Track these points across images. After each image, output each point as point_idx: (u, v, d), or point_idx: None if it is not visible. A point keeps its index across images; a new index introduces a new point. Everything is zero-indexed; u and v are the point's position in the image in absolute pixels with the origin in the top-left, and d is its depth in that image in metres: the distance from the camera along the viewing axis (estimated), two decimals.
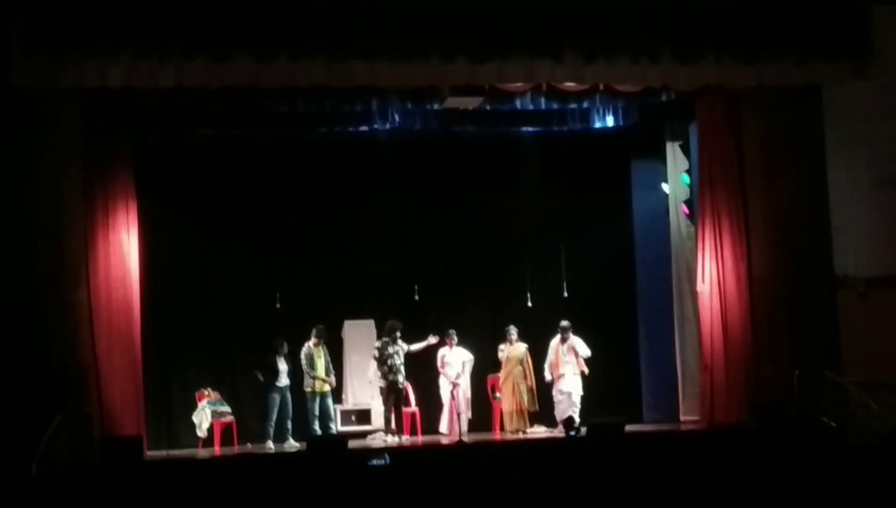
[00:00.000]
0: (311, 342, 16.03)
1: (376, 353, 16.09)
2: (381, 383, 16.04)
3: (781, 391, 14.74)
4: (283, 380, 15.93)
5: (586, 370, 16.21)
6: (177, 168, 16.51)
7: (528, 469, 6.83)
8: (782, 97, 15.00)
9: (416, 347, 16.22)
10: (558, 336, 16.31)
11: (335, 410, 16.24)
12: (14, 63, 12.18)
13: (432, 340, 16.28)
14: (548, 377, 16.31)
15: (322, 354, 16.06)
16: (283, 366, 15.93)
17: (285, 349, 16.00)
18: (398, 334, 16.06)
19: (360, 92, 14.70)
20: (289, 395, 15.95)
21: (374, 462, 11.67)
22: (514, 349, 16.44)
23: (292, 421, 15.92)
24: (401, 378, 16.02)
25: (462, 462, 6.88)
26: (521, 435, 16.03)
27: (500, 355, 16.52)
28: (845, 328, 15.14)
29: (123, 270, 14.68)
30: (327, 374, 16.02)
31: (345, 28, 12.62)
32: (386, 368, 15.94)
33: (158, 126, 15.67)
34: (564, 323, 16.31)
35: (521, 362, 16.38)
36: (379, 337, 16.39)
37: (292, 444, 15.66)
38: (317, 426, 15.85)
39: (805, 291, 15.29)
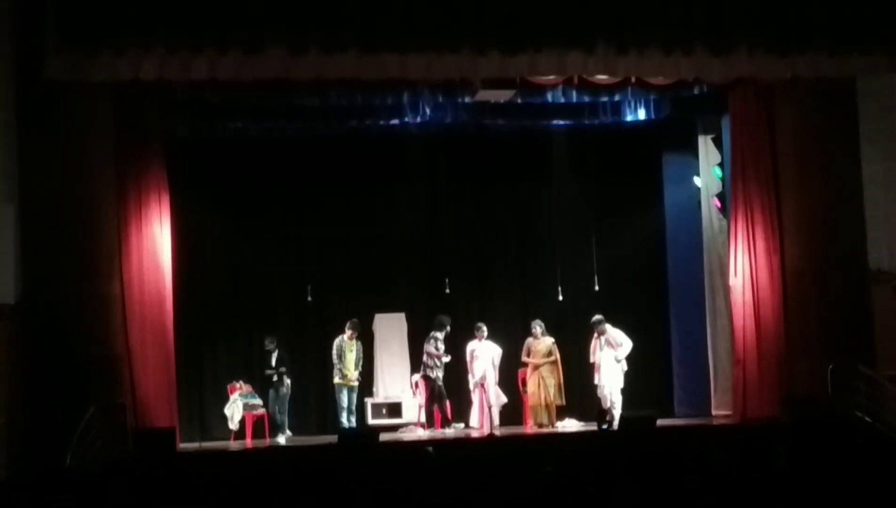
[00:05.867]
0: (344, 335, 16.08)
1: (436, 346, 16.20)
2: (429, 374, 16.10)
3: (814, 386, 14.66)
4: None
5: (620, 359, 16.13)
6: (208, 161, 16.59)
7: (560, 462, 6.81)
8: (816, 90, 14.91)
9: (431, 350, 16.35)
10: (595, 333, 16.24)
11: (365, 403, 16.29)
12: (47, 56, 12.22)
13: (446, 359, 16.39)
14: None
15: (354, 348, 16.08)
16: (273, 361, 16.05)
17: (275, 343, 16.08)
18: (448, 329, 16.27)
19: (392, 85, 14.74)
20: (282, 390, 15.96)
21: (430, 449, 11.59)
22: (539, 344, 16.37)
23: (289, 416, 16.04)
24: (441, 374, 16.20)
25: (493, 456, 6.86)
26: (546, 429, 15.96)
27: (525, 350, 16.46)
28: (879, 322, 15.04)
29: (156, 262, 14.73)
30: (355, 368, 16.06)
31: (376, 20, 12.62)
32: (433, 362, 16.07)
33: (190, 119, 15.72)
34: (595, 317, 16.25)
35: (547, 356, 16.32)
36: (428, 331, 16.43)
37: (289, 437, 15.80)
38: (344, 418, 15.91)
39: (838, 285, 15.20)
